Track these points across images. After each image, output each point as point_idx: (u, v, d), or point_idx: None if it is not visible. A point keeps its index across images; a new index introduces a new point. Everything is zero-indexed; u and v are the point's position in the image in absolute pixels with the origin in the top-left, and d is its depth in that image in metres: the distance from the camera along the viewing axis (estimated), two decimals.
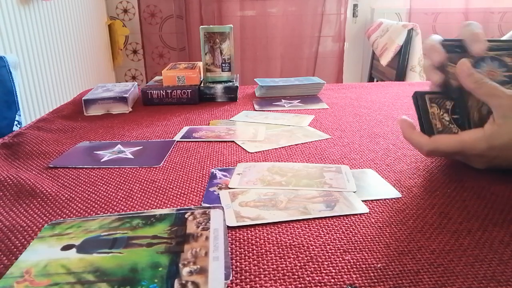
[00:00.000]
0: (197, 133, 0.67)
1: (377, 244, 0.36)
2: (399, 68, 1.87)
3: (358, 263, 0.33)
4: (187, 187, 0.48)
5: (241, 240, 0.37)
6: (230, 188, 0.47)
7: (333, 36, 2.57)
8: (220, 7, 2.47)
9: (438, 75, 0.49)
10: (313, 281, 0.31)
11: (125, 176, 0.51)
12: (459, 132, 0.47)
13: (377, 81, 2.28)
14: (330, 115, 0.77)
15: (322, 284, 0.31)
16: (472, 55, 0.47)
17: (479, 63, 0.47)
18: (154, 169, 0.53)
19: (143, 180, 0.50)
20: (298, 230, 0.38)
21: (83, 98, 0.81)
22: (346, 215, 0.40)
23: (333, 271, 0.32)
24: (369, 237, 0.37)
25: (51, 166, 0.55)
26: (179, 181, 0.49)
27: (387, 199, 0.44)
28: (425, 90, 0.50)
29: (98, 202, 0.44)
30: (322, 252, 0.35)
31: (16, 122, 1.17)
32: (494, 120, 0.44)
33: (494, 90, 0.44)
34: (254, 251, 0.35)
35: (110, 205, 0.44)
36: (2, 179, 0.49)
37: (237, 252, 0.35)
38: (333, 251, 0.35)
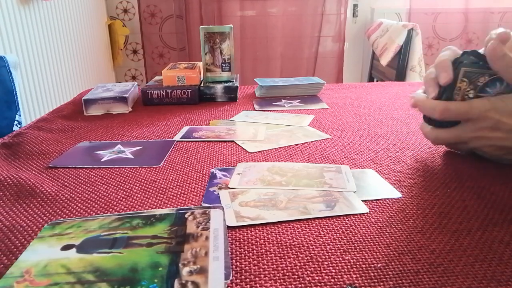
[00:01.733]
0: (197, 133, 0.67)
1: (377, 244, 0.36)
2: (399, 68, 1.87)
3: (358, 263, 0.33)
4: (187, 187, 0.48)
5: (241, 240, 0.37)
6: (230, 188, 0.47)
7: (333, 36, 2.57)
8: (220, 7, 2.47)
9: (435, 91, 0.50)
10: (313, 281, 0.31)
11: (125, 176, 0.51)
12: None
13: (377, 81, 2.28)
14: (330, 115, 0.77)
15: (322, 284, 0.31)
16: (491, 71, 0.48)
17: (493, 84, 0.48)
18: (154, 169, 0.53)
19: (143, 180, 0.50)
20: (298, 230, 0.38)
21: (83, 98, 0.81)
22: (346, 215, 0.40)
23: (333, 271, 0.32)
24: (369, 237, 0.37)
25: (51, 166, 0.55)
26: (179, 181, 0.49)
27: (387, 199, 0.44)
28: (471, 57, 0.49)
29: (98, 202, 0.44)
30: (322, 252, 0.35)
31: (16, 122, 1.17)
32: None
33: None
34: (254, 251, 0.35)
35: (110, 205, 0.44)
36: (2, 179, 0.49)
37: (237, 252, 0.35)
38: (333, 251, 0.35)
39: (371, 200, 0.43)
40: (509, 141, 0.47)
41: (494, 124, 0.46)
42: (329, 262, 0.33)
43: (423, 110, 0.52)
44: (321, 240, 0.36)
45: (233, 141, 0.63)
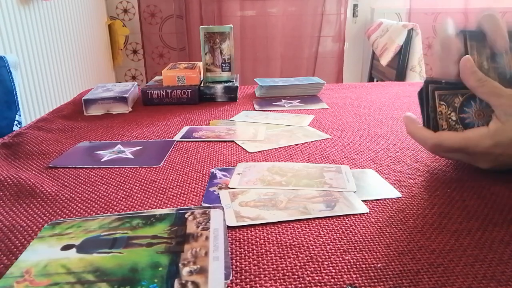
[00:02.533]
0: (197, 133, 0.67)
1: (377, 244, 0.36)
2: (399, 68, 1.87)
3: (358, 263, 0.33)
4: (187, 187, 0.48)
5: (241, 240, 0.37)
6: (230, 188, 0.47)
7: (333, 36, 2.57)
8: (220, 7, 2.47)
9: (456, 68, 0.47)
10: (313, 281, 0.31)
11: (125, 176, 0.51)
12: (463, 131, 0.47)
13: (377, 81, 2.28)
14: (330, 115, 0.77)
15: (322, 284, 0.31)
16: (492, 48, 0.46)
17: (496, 56, 0.46)
18: (154, 169, 0.53)
19: (143, 180, 0.50)
20: (298, 230, 0.38)
21: (83, 98, 0.81)
22: (346, 215, 0.40)
23: (333, 271, 0.32)
24: (369, 237, 0.37)
25: (51, 166, 0.55)
26: (179, 181, 0.49)
27: (387, 199, 0.44)
28: (435, 82, 0.48)
29: (98, 202, 0.44)
30: (322, 252, 0.35)
31: (16, 122, 1.17)
32: (498, 118, 0.44)
33: (495, 89, 0.44)
34: (254, 251, 0.35)
35: (110, 205, 0.44)
36: (2, 179, 0.49)
37: (237, 252, 0.35)
38: (333, 251, 0.35)
39: (371, 200, 0.43)
40: (506, 165, 0.47)
41: (494, 158, 0.45)
42: (329, 262, 0.33)
43: (414, 138, 0.50)
44: (321, 240, 0.36)
45: (233, 141, 0.63)
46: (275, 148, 0.60)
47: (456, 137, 0.46)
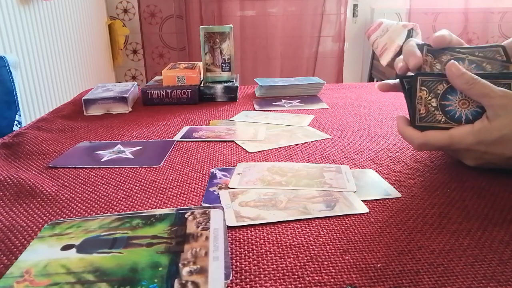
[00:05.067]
0: (197, 133, 0.67)
1: (377, 244, 0.36)
2: None
3: (358, 263, 0.33)
4: (187, 187, 0.48)
5: (241, 240, 0.37)
6: (230, 188, 0.47)
7: (333, 36, 2.57)
8: (220, 7, 2.47)
9: (416, 59, 0.50)
10: (313, 281, 0.31)
11: (125, 176, 0.51)
12: (443, 118, 0.47)
13: (377, 81, 2.28)
14: (330, 115, 0.77)
15: (322, 284, 0.31)
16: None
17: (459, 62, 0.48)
18: (154, 169, 0.53)
19: (143, 180, 0.50)
20: (298, 230, 0.38)
21: (83, 98, 0.81)
22: (346, 215, 0.40)
23: (333, 271, 0.32)
24: (369, 237, 0.37)
25: (51, 166, 0.55)
26: (179, 181, 0.49)
27: (387, 199, 0.44)
28: (425, 74, 0.49)
29: (98, 202, 0.44)
30: (322, 252, 0.35)
31: (16, 122, 1.17)
32: (487, 117, 0.44)
33: (486, 90, 0.44)
34: (254, 251, 0.35)
35: (110, 205, 0.44)
36: (2, 179, 0.49)
37: (237, 252, 0.35)
38: (333, 251, 0.35)
39: (371, 200, 0.43)
40: (493, 164, 0.47)
41: (479, 155, 0.46)
42: (329, 262, 0.33)
43: (403, 137, 0.51)
44: (321, 240, 0.36)
45: (233, 141, 0.63)
46: (275, 148, 0.60)
47: (441, 135, 0.46)
